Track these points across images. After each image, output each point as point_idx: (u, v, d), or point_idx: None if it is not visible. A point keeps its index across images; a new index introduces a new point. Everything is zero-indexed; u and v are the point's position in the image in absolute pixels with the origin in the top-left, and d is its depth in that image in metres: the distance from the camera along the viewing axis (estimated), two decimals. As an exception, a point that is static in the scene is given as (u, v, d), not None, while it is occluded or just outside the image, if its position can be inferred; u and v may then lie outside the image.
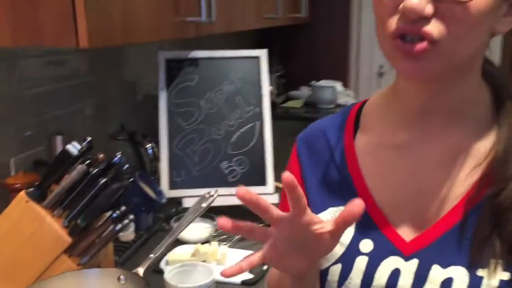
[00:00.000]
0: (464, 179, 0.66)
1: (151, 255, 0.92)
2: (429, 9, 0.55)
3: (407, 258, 0.65)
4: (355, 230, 0.69)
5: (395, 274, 0.65)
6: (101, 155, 0.98)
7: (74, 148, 0.93)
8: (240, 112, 1.43)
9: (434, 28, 0.56)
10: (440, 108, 0.66)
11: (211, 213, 1.35)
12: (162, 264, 1.15)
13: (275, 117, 1.53)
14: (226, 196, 1.34)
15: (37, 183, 0.97)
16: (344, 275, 0.68)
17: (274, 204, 1.32)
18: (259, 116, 1.44)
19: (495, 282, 0.61)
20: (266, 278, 0.87)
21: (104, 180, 0.91)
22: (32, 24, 0.87)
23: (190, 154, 1.39)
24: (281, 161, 1.44)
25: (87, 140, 0.94)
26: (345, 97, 3.15)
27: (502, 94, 0.68)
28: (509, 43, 3.05)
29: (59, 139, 1.22)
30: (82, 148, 0.93)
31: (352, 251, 0.68)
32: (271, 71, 2.14)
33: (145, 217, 1.26)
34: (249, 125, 1.43)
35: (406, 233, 0.67)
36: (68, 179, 0.92)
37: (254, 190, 1.48)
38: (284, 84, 3.27)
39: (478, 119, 0.67)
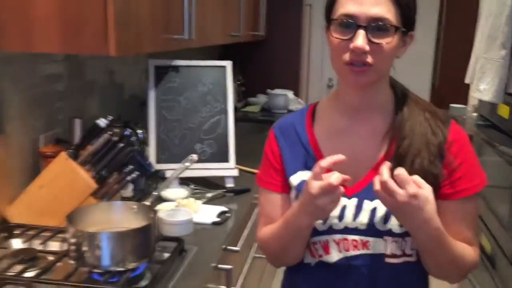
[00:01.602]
0: (381, 146, 1.04)
1: (154, 193, 1.36)
2: (367, 47, 0.94)
3: (349, 198, 1.02)
4: None
5: (343, 208, 1.02)
6: (117, 130, 1.42)
7: (102, 122, 1.36)
8: (210, 107, 1.90)
9: (369, 58, 0.95)
10: (367, 105, 1.05)
11: (186, 180, 1.81)
12: (154, 212, 1.58)
13: (236, 119, 1.94)
14: (198, 170, 1.80)
15: (72, 146, 1.39)
16: None
17: (235, 176, 1.86)
18: (225, 111, 1.90)
19: None
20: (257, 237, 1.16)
21: (122, 145, 1.35)
22: (77, 37, 1.29)
23: (172, 138, 1.84)
24: (242, 152, 1.90)
25: (111, 118, 1.38)
26: (296, 104, 3.62)
27: (398, 93, 1.08)
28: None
29: (77, 122, 1.64)
30: (108, 122, 1.36)
31: None
32: (233, 80, 2.59)
33: (140, 181, 1.69)
34: (217, 117, 1.89)
35: (349, 183, 0.97)
36: (97, 144, 1.35)
37: (220, 165, 1.97)
38: (244, 91, 3.73)
39: (387, 110, 1.06)
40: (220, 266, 1.39)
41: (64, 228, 1.26)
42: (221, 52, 3.60)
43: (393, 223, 1.01)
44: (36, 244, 1.31)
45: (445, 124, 1.05)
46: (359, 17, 0.94)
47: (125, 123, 1.88)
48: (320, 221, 1.04)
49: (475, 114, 2.60)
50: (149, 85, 1.85)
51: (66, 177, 1.36)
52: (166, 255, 1.27)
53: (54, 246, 1.31)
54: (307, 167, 1.08)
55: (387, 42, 0.95)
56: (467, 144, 1.06)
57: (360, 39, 0.94)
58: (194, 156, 1.44)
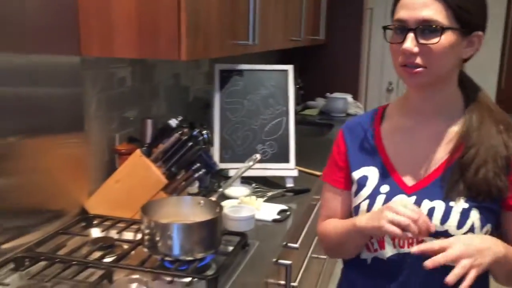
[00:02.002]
0: (444, 149, 1.07)
1: (220, 189, 1.44)
2: (416, 49, 0.98)
3: (408, 196, 1.06)
4: (378, 179, 1.10)
5: None
6: (186, 130, 1.52)
7: (173, 122, 1.46)
8: (272, 110, 1.97)
9: (419, 60, 0.99)
10: (430, 107, 1.08)
11: (248, 179, 1.88)
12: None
13: (294, 122, 2.02)
14: (259, 169, 1.87)
15: (146, 145, 1.50)
16: (370, 207, 1.09)
17: (294, 177, 1.93)
18: (286, 113, 1.97)
19: (459, 208, 1.02)
20: (317, 228, 1.25)
21: (191, 144, 1.45)
22: (152, 42, 1.40)
23: (235, 138, 1.93)
24: (300, 154, 1.96)
25: (180, 119, 1.48)
26: (355, 108, 3.62)
27: (469, 97, 1.09)
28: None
29: (149, 122, 1.75)
30: (178, 123, 1.46)
31: (375, 192, 1.09)
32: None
33: (205, 179, 1.79)
34: (278, 119, 1.96)
35: (409, 181, 1.08)
36: (168, 142, 1.45)
37: (280, 166, 2.03)
38: (302, 95, 3.79)
39: (453, 113, 1.08)
40: (280, 261, 1.46)
41: (138, 220, 1.37)
42: (280, 56, 3.67)
43: (450, 224, 1.02)
44: (113, 234, 1.42)
45: None
46: (408, 21, 0.99)
47: (191, 123, 1.99)
48: None
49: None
50: (215, 88, 1.94)
51: (139, 173, 1.47)
52: (230, 248, 1.35)
53: (128, 235, 1.42)
54: (370, 162, 1.14)
55: (434, 42, 0.98)
56: None
57: (408, 42, 0.99)
58: (258, 156, 1.51)
